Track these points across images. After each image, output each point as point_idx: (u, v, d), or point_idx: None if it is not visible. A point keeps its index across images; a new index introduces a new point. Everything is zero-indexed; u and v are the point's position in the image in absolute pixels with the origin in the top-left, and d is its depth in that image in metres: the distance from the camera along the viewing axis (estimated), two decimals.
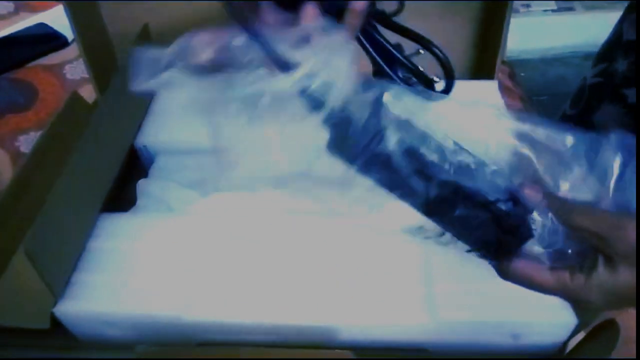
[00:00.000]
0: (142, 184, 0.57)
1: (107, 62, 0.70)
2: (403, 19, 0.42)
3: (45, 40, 0.90)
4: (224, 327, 0.45)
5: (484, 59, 0.69)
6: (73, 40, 0.91)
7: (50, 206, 0.45)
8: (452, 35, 0.69)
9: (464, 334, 0.45)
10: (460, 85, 0.63)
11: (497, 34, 0.64)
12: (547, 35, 0.97)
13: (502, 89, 0.65)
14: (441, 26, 0.67)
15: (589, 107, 0.70)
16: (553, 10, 0.93)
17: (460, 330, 0.44)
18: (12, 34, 0.91)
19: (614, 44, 0.67)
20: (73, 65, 0.87)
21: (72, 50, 0.90)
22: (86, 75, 0.86)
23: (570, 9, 0.93)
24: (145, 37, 0.68)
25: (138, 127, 0.63)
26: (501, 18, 0.62)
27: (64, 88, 0.83)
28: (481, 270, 0.45)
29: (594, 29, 0.98)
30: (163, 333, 0.46)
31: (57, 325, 0.45)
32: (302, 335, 0.45)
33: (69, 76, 0.85)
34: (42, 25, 0.92)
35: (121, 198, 0.57)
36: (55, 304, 0.45)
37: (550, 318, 0.43)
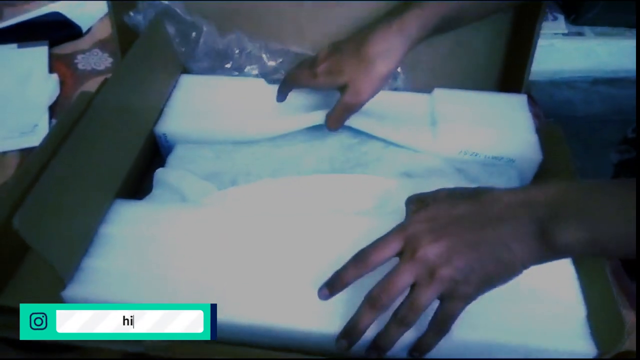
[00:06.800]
0: (159, 173, 0.55)
1: None
2: None
3: (59, 29, 0.88)
4: (226, 324, 0.43)
5: (511, 72, 0.69)
6: (87, 31, 0.90)
7: (43, 185, 0.41)
8: (481, 46, 0.68)
9: (476, 355, 0.42)
10: (489, 98, 0.63)
11: (525, 47, 0.64)
12: (556, 59, 0.97)
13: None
14: (468, 37, 0.67)
15: None
16: (563, 34, 0.94)
17: (472, 351, 0.42)
18: (26, 20, 0.89)
19: None
20: (85, 56, 0.86)
21: (85, 42, 0.89)
22: (98, 67, 0.85)
23: (580, 34, 0.95)
24: None
25: (159, 111, 0.61)
26: (530, 31, 0.62)
27: (74, 78, 0.82)
28: (499, 290, 0.44)
29: (602, 54, 0.98)
30: None
31: None
32: (307, 341, 0.43)
33: (80, 66, 0.84)
34: (56, 14, 0.90)
35: (141, 185, 0.56)
36: (64, 287, 0.43)
37: (569, 347, 0.42)
